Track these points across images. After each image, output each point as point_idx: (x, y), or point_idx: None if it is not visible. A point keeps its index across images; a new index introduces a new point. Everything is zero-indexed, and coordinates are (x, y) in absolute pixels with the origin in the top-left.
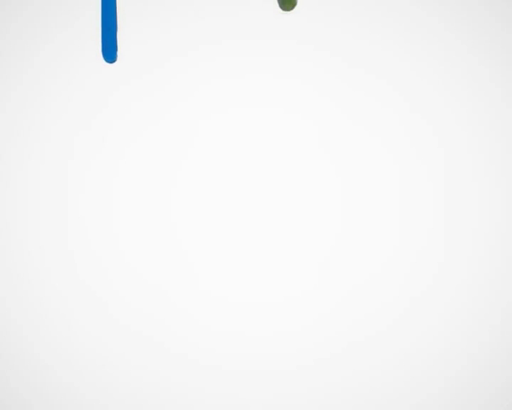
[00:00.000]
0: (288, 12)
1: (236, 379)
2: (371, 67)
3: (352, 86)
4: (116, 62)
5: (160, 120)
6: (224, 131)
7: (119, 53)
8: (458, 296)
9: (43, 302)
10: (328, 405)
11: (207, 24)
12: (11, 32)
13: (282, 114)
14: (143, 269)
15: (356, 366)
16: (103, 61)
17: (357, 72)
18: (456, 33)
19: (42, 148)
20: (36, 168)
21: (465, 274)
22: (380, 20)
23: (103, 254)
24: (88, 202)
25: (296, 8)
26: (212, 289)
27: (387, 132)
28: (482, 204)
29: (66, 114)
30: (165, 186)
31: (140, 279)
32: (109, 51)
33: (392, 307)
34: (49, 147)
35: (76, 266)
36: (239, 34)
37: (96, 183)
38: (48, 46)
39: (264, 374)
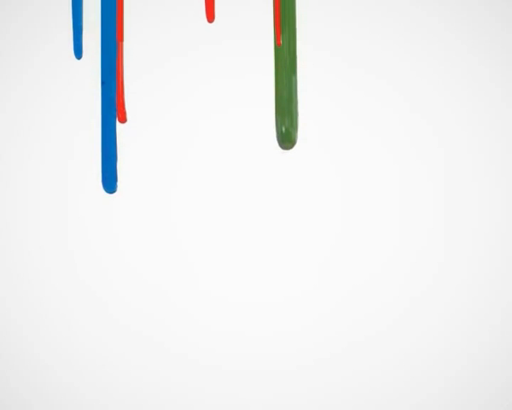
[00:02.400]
0: (288, 150)
1: (236, 379)
2: (371, 67)
3: (352, 86)
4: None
5: (159, 120)
6: (224, 131)
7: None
8: (458, 296)
9: (43, 302)
10: (328, 405)
11: (207, 24)
12: (11, 32)
13: None
14: (143, 269)
15: (356, 366)
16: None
17: (357, 72)
18: (456, 33)
19: (42, 148)
20: (36, 168)
21: (465, 274)
22: (380, 20)
23: (103, 254)
24: (88, 202)
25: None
26: (212, 289)
27: (387, 132)
28: (482, 204)
29: (66, 114)
30: (164, 186)
31: (140, 279)
32: (109, 182)
33: (392, 307)
34: (49, 147)
35: (76, 266)
36: (239, 34)
37: (95, 183)
38: (48, 46)
39: (264, 374)
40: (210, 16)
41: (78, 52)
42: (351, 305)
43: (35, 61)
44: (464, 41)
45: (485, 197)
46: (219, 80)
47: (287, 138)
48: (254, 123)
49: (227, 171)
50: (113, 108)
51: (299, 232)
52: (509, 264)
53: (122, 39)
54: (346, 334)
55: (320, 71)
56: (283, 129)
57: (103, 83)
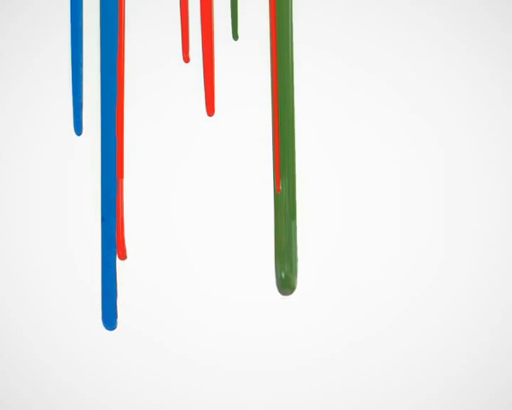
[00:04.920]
0: (288, 296)
1: (236, 379)
2: (371, 67)
3: (352, 86)
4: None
5: (159, 120)
6: (224, 131)
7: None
8: (458, 296)
9: (43, 302)
10: (328, 405)
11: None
12: (11, 32)
13: None
14: (143, 269)
15: (356, 366)
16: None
17: (357, 72)
18: (456, 33)
19: (42, 148)
20: (36, 168)
21: (465, 274)
22: (380, 20)
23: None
24: (88, 202)
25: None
26: (212, 289)
27: (387, 132)
28: (482, 204)
29: (67, 114)
30: (165, 186)
31: (140, 279)
32: (109, 319)
33: (392, 307)
34: (49, 147)
35: (76, 266)
36: (239, 34)
37: (95, 183)
38: (48, 46)
39: (264, 374)
40: (210, 110)
41: (78, 128)
42: (351, 305)
43: (35, 61)
44: (464, 41)
45: (485, 197)
46: (219, 80)
47: (286, 284)
48: (254, 123)
49: (227, 170)
50: (113, 244)
51: (299, 232)
52: (509, 264)
53: (122, 176)
54: (346, 334)
55: (320, 71)
56: (283, 275)
57: (103, 219)
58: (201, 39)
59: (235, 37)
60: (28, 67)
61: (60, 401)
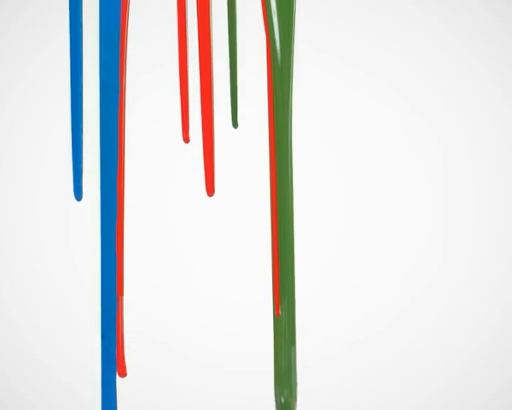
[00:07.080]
0: None
1: (236, 379)
2: (371, 67)
3: (352, 87)
4: None
5: (160, 120)
6: (224, 131)
7: None
8: (458, 296)
9: (43, 302)
10: (328, 405)
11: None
12: (11, 32)
13: None
14: (144, 269)
15: (356, 366)
16: None
17: (357, 72)
18: (456, 33)
19: (42, 148)
20: (36, 168)
21: (465, 274)
22: (380, 20)
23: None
24: (88, 202)
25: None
26: (212, 289)
27: (387, 133)
28: (482, 204)
29: (67, 114)
30: (165, 186)
31: (140, 279)
32: None
33: (392, 307)
34: (50, 147)
35: (76, 266)
36: (239, 34)
37: (96, 182)
38: (48, 46)
39: (264, 374)
40: (210, 191)
41: (79, 194)
42: (351, 305)
43: (36, 61)
44: (464, 41)
45: (485, 197)
46: (219, 80)
47: (286, 409)
48: (254, 123)
49: (227, 170)
50: (113, 363)
51: (299, 232)
52: (509, 264)
53: (122, 294)
54: (346, 334)
55: (320, 71)
56: (282, 400)
57: (103, 337)
58: (202, 124)
59: (235, 125)
60: (28, 66)
61: (60, 401)
